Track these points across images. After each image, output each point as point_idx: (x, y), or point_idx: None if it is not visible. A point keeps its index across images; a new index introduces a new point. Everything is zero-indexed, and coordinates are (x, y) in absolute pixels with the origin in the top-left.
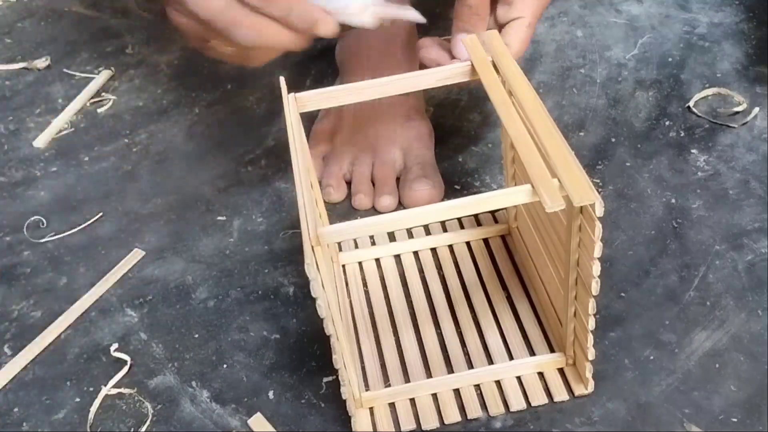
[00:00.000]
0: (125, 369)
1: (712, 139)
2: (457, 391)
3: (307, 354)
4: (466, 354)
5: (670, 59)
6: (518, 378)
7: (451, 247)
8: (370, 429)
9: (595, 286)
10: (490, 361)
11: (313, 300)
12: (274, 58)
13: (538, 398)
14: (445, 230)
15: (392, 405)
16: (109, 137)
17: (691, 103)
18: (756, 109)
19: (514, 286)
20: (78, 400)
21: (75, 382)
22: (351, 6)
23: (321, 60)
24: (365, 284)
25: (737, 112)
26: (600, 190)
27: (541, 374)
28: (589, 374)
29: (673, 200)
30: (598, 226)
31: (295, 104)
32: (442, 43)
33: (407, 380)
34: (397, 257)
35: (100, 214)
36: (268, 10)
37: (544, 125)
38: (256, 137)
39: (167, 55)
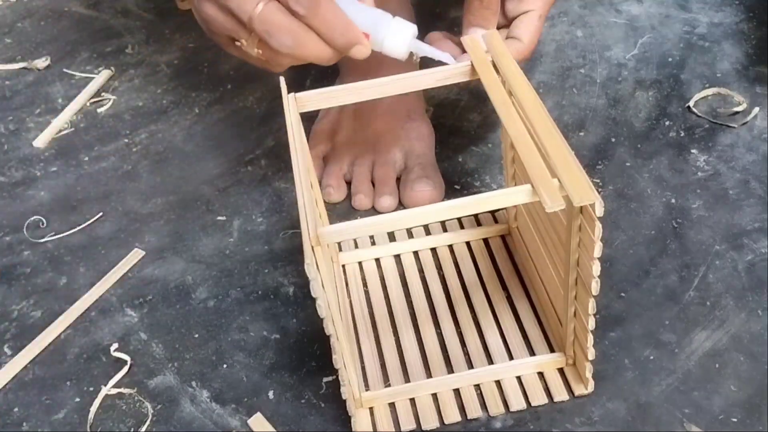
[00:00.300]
0: (125, 369)
1: (712, 139)
2: (457, 391)
3: (307, 354)
4: (466, 354)
5: (670, 59)
6: (518, 378)
7: (451, 247)
8: (370, 429)
9: (595, 286)
10: (490, 361)
11: (313, 300)
12: (297, 66)
13: (538, 398)
14: (445, 230)
15: (392, 405)
16: (109, 137)
17: (691, 103)
18: (756, 109)
19: (514, 286)
20: (78, 400)
21: (75, 382)
22: (393, 39)
23: None
24: (365, 284)
25: (737, 112)
26: (600, 190)
27: (541, 374)
28: (589, 374)
29: (673, 200)
30: (598, 226)
31: (295, 104)
32: (451, 37)
33: (407, 380)
34: (397, 257)
35: (100, 214)
36: (313, 22)
37: (544, 125)
38: (256, 137)
39: (167, 55)
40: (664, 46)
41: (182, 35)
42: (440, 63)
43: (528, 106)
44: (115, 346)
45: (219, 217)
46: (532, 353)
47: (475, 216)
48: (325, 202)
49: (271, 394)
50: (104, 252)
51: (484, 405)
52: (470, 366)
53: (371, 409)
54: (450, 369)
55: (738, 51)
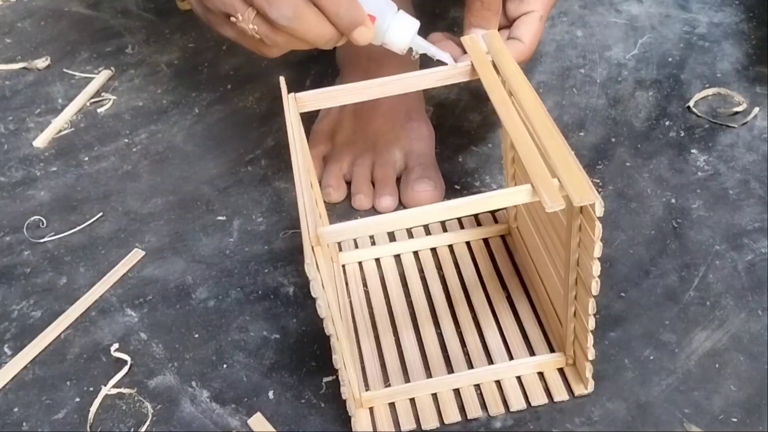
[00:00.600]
0: (125, 369)
1: (712, 139)
2: (457, 391)
3: (307, 354)
4: (466, 354)
5: (670, 59)
6: (518, 378)
7: (451, 247)
8: (370, 429)
9: (595, 286)
10: (490, 361)
11: (313, 300)
12: (292, 52)
13: (538, 398)
14: (445, 230)
15: (392, 405)
16: (109, 137)
17: (691, 103)
18: (756, 109)
19: (514, 286)
20: (78, 400)
21: (75, 382)
22: (397, 30)
23: (321, 60)
24: (365, 284)
25: (737, 112)
26: (600, 190)
27: (541, 374)
28: (589, 374)
29: (673, 200)
30: (598, 226)
31: (295, 104)
32: (452, 37)
33: (407, 380)
34: (397, 257)
35: (100, 214)
36: None
37: (544, 125)
38: (256, 137)
39: (167, 55)
40: (664, 46)
41: (182, 35)
42: (439, 63)
43: (528, 106)
44: (115, 346)
45: (219, 217)
46: (532, 353)
47: (475, 216)
48: (325, 202)
49: (271, 394)
50: (104, 252)
51: (484, 405)
52: (470, 366)
53: (371, 409)
54: (450, 369)
55: (738, 51)
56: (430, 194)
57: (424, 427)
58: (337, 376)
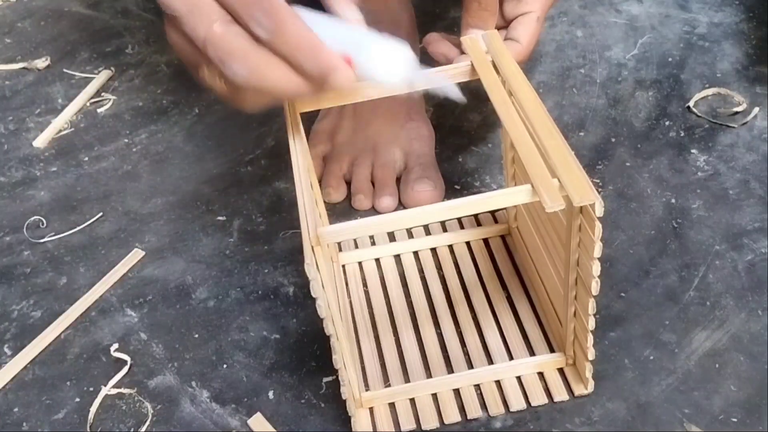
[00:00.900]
0: (125, 369)
1: (712, 139)
2: (457, 391)
3: (307, 354)
4: (466, 354)
5: (670, 59)
6: (518, 378)
7: (451, 247)
8: (370, 429)
9: (595, 286)
10: (490, 361)
11: (313, 300)
12: (273, 104)
13: (538, 398)
14: (445, 230)
15: (392, 405)
16: (109, 137)
17: (691, 103)
18: (756, 109)
19: (514, 286)
20: (78, 400)
21: (75, 382)
22: (381, 63)
23: None
24: (365, 284)
25: (737, 112)
26: (600, 190)
27: (541, 374)
28: (589, 374)
29: (673, 200)
30: (598, 226)
31: (295, 104)
32: (449, 38)
33: (407, 380)
34: (397, 257)
35: (100, 214)
36: (275, 45)
37: (544, 125)
38: (256, 137)
39: (167, 55)
40: (664, 46)
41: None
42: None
43: (528, 106)
44: (115, 346)
45: (219, 217)
46: (532, 353)
47: (475, 216)
48: (325, 202)
49: (271, 394)
50: (104, 252)
51: (484, 405)
52: (470, 366)
53: (371, 409)
54: (450, 369)
55: (738, 51)
56: (430, 194)
57: (424, 427)
58: (337, 376)
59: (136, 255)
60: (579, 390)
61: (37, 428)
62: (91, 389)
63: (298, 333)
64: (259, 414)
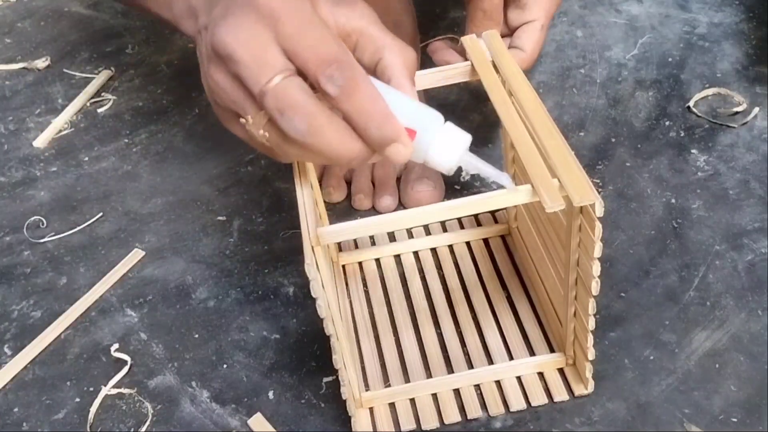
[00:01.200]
0: (125, 369)
1: (712, 139)
2: (457, 391)
3: (307, 354)
4: (466, 354)
5: (670, 59)
6: (518, 378)
7: (451, 247)
8: (370, 429)
9: (595, 286)
10: (490, 361)
11: (313, 300)
12: (314, 162)
13: (538, 398)
14: (445, 230)
15: (392, 405)
16: (109, 137)
17: (691, 103)
18: (756, 109)
19: (514, 286)
20: (78, 400)
21: (75, 382)
22: (443, 149)
23: None
24: (365, 284)
25: (737, 112)
26: (600, 190)
27: (541, 374)
28: (589, 374)
29: (673, 200)
30: (598, 226)
31: None
32: (453, 46)
33: (407, 380)
34: (397, 257)
35: (100, 214)
36: (344, 104)
37: (544, 125)
38: None
39: (167, 55)
40: (664, 46)
41: (182, 35)
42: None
43: (528, 106)
44: (116, 346)
45: (219, 217)
46: (532, 353)
47: (475, 216)
48: (325, 202)
49: (271, 394)
50: (104, 252)
51: (484, 405)
52: (470, 366)
53: (371, 409)
54: (450, 369)
55: (738, 51)
56: (429, 194)
57: (424, 427)
58: (337, 376)
59: (136, 255)
60: (579, 390)
61: (37, 428)
62: (91, 389)
63: (298, 333)
64: (259, 414)
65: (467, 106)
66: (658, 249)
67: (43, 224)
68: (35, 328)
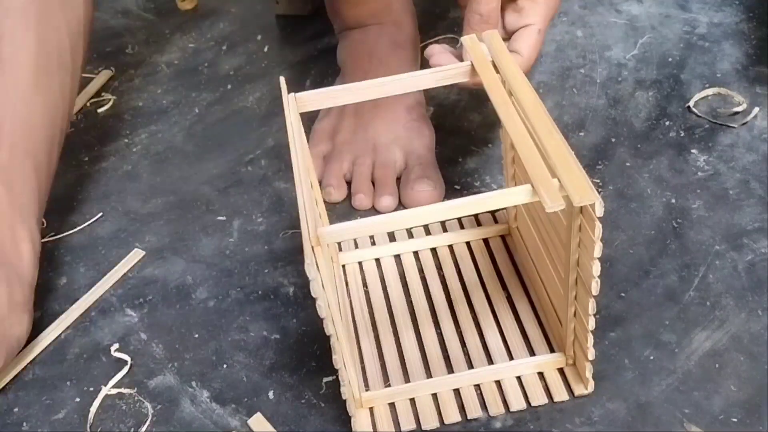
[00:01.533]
0: (125, 369)
1: (712, 139)
2: (457, 391)
3: (307, 354)
4: (466, 354)
5: (670, 59)
6: (518, 378)
7: (451, 247)
8: (370, 429)
9: (595, 286)
10: (490, 361)
11: (313, 300)
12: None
13: (538, 398)
14: (445, 230)
15: (392, 405)
16: (109, 137)
17: (691, 103)
18: (756, 109)
19: (514, 286)
20: (78, 400)
21: (75, 382)
22: None
23: (321, 60)
24: (365, 284)
25: (737, 112)
26: (600, 190)
27: (541, 374)
28: (589, 374)
29: (673, 200)
30: (598, 226)
31: (295, 104)
32: (451, 49)
33: (407, 380)
34: (397, 257)
35: (100, 214)
36: None
37: (544, 125)
38: (256, 137)
39: (167, 55)
40: (664, 46)
41: (182, 35)
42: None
43: (528, 106)
44: (116, 346)
45: (219, 217)
46: (532, 353)
47: (475, 216)
48: (325, 202)
49: (271, 394)
50: (104, 252)
51: (484, 405)
52: (470, 366)
53: (371, 409)
54: (450, 369)
55: (738, 51)
56: (429, 194)
57: (424, 427)
58: (337, 376)
59: (136, 255)
60: (579, 390)
61: (37, 428)
62: (91, 389)
63: (298, 333)
64: (259, 414)
65: (467, 106)
66: (658, 249)
67: (43, 224)
68: (35, 328)
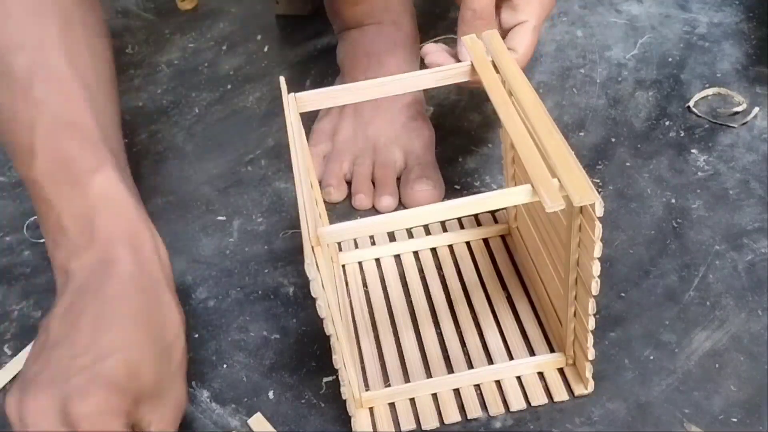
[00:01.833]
0: None
1: (712, 139)
2: (457, 391)
3: (307, 354)
4: (466, 354)
5: (670, 59)
6: (518, 378)
7: (451, 247)
8: (370, 429)
9: (595, 286)
10: (490, 361)
11: (313, 300)
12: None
13: (538, 398)
14: (445, 230)
15: (392, 405)
16: None
17: (691, 103)
18: (756, 109)
19: (514, 286)
20: None
21: None
22: None
23: (321, 60)
24: (365, 284)
25: (737, 112)
26: (600, 190)
27: (541, 374)
28: (589, 374)
29: (673, 200)
30: (598, 226)
31: (295, 104)
32: (447, 48)
33: (407, 380)
34: (397, 257)
35: None
36: None
37: (544, 125)
38: (256, 137)
39: (167, 55)
40: (664, 46)
41: (182, 35)
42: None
43: (528, 106)
44: None
45: (219, 217)
46: (532, 353)
47: (475, 216)
48: (325, 202)
49: (271, 394)
50: None
51: (484, 405)
52: (470, 366)
53: (371, 409)
54: (450, 369)
55: (738, 51)
56: (429, 194)
57: (424, 427)
58: (337, 376)
59: None
60: (579, 390)
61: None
62: None
63: (298, 333)
64: (259, 414)
65: (467, 106)
66: (658, 249)
67: None
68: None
